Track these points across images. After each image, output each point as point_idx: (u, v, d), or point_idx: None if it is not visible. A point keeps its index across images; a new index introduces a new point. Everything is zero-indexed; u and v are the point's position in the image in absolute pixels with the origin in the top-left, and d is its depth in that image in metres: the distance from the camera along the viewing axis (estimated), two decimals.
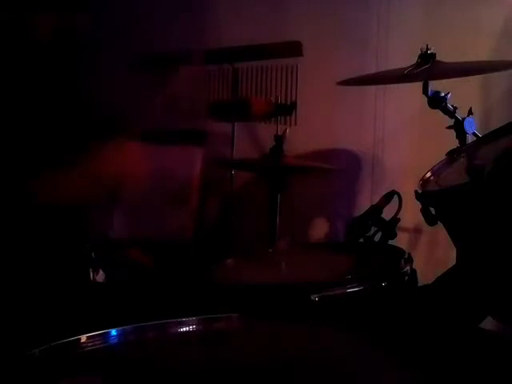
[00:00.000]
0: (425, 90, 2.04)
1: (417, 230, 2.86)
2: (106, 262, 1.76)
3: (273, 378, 1.03)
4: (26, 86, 1.55)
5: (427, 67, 2.09)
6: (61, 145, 1.69)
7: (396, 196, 2.05)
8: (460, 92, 2.10)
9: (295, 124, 2.54)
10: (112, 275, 1.74)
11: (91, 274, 1.70)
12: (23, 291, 1.54)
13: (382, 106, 2.93)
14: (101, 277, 1.71)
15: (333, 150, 2.96)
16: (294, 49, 2.52)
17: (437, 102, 2.03)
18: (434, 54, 2.11)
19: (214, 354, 1.13)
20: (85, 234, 1.67)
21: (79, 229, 1.64)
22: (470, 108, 2.01)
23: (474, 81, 2.77)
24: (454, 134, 2.02)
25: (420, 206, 1.53)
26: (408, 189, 1.65)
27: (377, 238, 2.02)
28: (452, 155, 1.72)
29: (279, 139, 2.35)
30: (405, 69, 2.13)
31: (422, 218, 1.52)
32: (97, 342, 1.14)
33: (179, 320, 1.22)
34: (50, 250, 1.59)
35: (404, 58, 2.23)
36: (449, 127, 2.03)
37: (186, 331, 1.22)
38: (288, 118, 2.54)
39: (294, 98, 2.55)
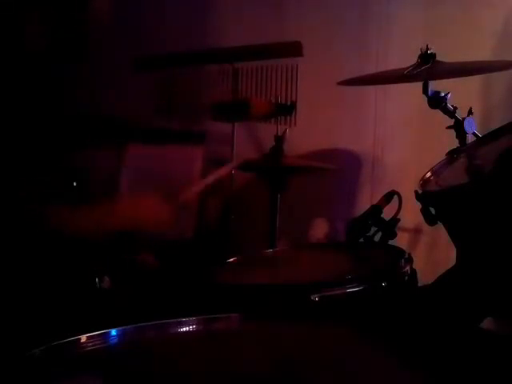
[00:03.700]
0: (425, 90, 2.04)
1: (417, 230, 2.86)
2: (111, 266, 1.76)
3: (273, 379, 1.03)
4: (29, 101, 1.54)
5: (427, 67, 2.09)
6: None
7: (396, 196, 2.05)
8: (460, 92, 2.10)
9: (295, 124, 2.54)
10: (116, 279, 1.74)
11: (97, 281, 1.70)
12: (23, 291, 1.53)
13: (382, 106, 2.93)
14: (106, 283, 1.71)
15: (333, 149, 2.97)
16: (294, 49, 2.52)
17: (437, 101, 2.03)
18: (434, 54, 2.11)
19: (214, 354, 1.13)
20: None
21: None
22: (470, 108, 2.01)
23: (474, 81, 2.77)
24: (454, 133, 2.02)
25: (420, 206, 1.53)
26: (408, 189, 1.65)
27: (377, 238, 2.02)
28: (452, 155, 1.72)
29: (279, 139, 2.35)
30: (405, 69, 2.13)
31: (422, 218, 1.52)
32: (97, 342, 1.14)
33: (179, 320, 1.22)
34: (50, 251, 1.59)
35: (404, 58, 2.23)
36: (449, 127, 2.03)
37: (185, 331, 1.22)
38: (288, 118, 2.54)
39: (294, 98, 2.55)
